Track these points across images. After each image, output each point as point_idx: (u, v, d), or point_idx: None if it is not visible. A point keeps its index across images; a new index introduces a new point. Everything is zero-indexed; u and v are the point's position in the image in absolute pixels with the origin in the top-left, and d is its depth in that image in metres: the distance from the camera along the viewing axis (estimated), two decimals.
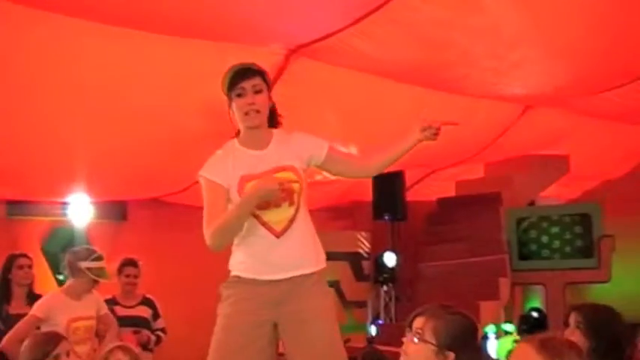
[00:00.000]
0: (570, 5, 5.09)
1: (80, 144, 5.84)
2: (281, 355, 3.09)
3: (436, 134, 3.07)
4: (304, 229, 3.04)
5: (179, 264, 7.37)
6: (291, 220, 2.98)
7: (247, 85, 2.96)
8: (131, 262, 5.73)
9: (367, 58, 5.48)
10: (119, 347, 3.94)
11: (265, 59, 4.63)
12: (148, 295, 5.84)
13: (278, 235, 2.97)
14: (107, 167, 6.39)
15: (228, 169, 2.98)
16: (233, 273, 3.06)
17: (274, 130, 3.10)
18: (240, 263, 3.03)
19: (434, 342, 2.34)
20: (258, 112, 2.97)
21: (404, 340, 2.42)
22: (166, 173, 6.77)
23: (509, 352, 2.15)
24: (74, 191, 6.84)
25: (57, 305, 4.64)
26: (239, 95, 2.97)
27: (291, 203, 2.97)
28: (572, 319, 3.16)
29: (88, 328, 4.75)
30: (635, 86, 6.90)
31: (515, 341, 2.27)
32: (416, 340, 2.37)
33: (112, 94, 5.39)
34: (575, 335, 3.10)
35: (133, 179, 6.78)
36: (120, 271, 5.69)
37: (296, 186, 2.99)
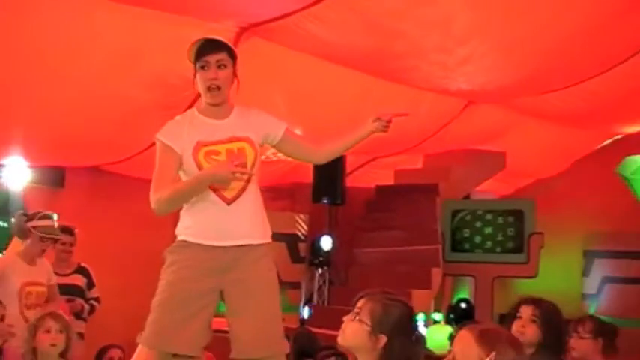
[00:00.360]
0: (519, 7, 5.23)
1: (19, 107, 5.71)
2: (224, 332, 3.12)
3: (387, 126, 3.17)
4: (254, 200, 3.08)
5: (115, 233, 7.30)
6: (242, 190, 3.02)
7: (212, 59, 2.99)
8: (67, 230, 5.66)
9: (319, 42, 5.51)
10: (49, 314, 3.90)
11: (217, 35, 4.61)
12: (83, 264, 5.79)
13: (228, 203, 3.01)
14: (46, 132, 6.26)
15: (183, 135, 3.02)
16: (180, 237, 3.08)
17: (235, 105, 3.14)
18: (188, 228, 3.06)
19: (368, 322, 2.42)
20: (219, 88, 3.00)
21: (344, 318, 2.49)
22: (108, 142, 6.67)
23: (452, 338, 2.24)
24: (11, 154, 6.68)
25: (11, 265, 4.66)
26: (202, 67, 3.00)
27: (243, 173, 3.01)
28: (528, 312, 3.24)
29: (40, 294, 4.78)
30: (575, 90, 7.13)
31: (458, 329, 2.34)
32: (353, 319, 2.45)
33: (57, 58, 5.28)
34: (530, 328, 3.21)
35: (72, 146, 6.65)
36: None
37: (250, 157, 3.03)
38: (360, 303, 2.48)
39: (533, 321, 3.23)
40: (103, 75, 5.58)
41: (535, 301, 3.30)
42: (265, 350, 3.04)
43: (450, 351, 2.22)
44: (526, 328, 3.22)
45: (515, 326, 3.24)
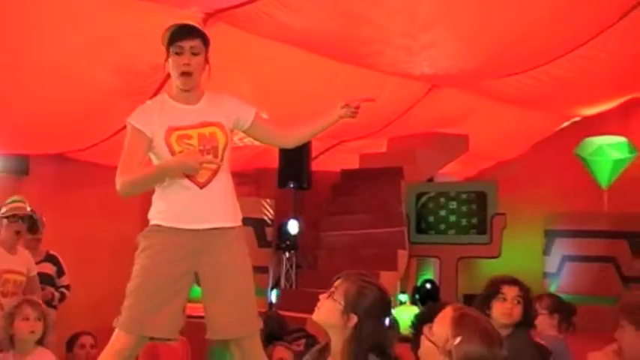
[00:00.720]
0: None
1: None
2: (197, 317, 3.17)
3: (355, 112, 3.24)
4: (226, 184, 3.14)
5: (81, 220, 7.28)
6: (214, 174, 3.07)
7: (186, 45, 3.03)
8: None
9: (284, 28, 5.54)
10: (27, 302, 3.89)
11: (182, 21, 4.61)
12: (52, 252, 5.77)
13: (201, 186, 3.05)
14: (10, 119, 6.21)
15: (153, 119, 3.07)
16: (153, 222, 3.11)
17: (205, 90, 3.19)
18: (161, 212, 3.10)
19: (341, 302, 2.50)
20: (191, 74, 3.04)
21: (321, 297, 2.57)
22: (73, 129, 6.63)
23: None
24: None
25: None
26: (177, 53, 3.04)
27: (215, 157, 3.07)
28: (513, 293, 3.30)
29: (18, 283, 4.78)
30: (535, 73, 7.28)
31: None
32: (328, 297, 2.53)
33: (20, 45, 5.23)
34: (517, 309, 3.28)
35: (37, 133, 6.60)
36: None
37: (221, 141, 3.08)
38: (336, 283, 2.56)
39: (519, 302, 3.30)
40: (68, 62, 5.54)
41: (518, 282, 3.36)
42: (241, 330, 3.12)
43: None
44: (513, 310, 3.28)
45: (503, 308, 3.29)
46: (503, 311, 3.29)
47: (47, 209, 6.07)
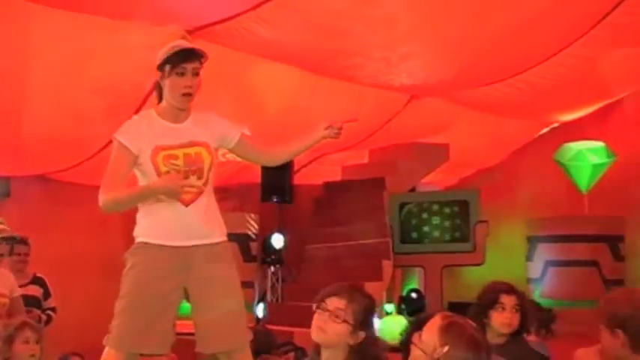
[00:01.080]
0: (457, 5, 5.41)
1: None
2: (187, 334, 3.17)
3: (338, 133, 3.29)
4: (210, 202, 3.17)
5: (64, 241, 7.25)
6: (199, 192, 3.10)
7: (189, 66, 3.04)
8: (21, 240, 5.59)
9: (265, 43, 5.58)
10: (27, 325, 3.86)
11: (162, 39, 4.63)
12: (38, 274, 5.73)
13: (187, 204, 3.07)
14: None
15: (140, 136, 3.07)
16: (139, 239, 3.12)
17: (193, 109, 3.20)
18: (147, 229, 3.11)
19: (352, 322, 2.52)
20: (191, 95, 3.07)
21: (318, 316, 2.57)
22: (54, 150, 6.61)
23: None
24: None
25: None
26: (178, 74, 3.04)
27: (200, 177, 3.09)
28: (512, 302, 3.27)
29: (1, 305, 4.73)
30: (513, 82, 7.37)
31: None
32: (336, 319, 2.53)
33: (0, 67, 5.24)
34: (515, 318, 3.27)
35: (18, 155, 6.58)
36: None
37: (206, 161, 3.11)
38: (339, 303, 2.55)
39: (517, 310, 3.28)
40: (50, 83, 5.55)
41: (515, 291, 3.33)
42: (232, 343, 3.13)
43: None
44: (512, 319, 3.27)
45: (502, 318, 3.26)
46: (503, 321, 3.26)
47: (30, 231, 6.04)
